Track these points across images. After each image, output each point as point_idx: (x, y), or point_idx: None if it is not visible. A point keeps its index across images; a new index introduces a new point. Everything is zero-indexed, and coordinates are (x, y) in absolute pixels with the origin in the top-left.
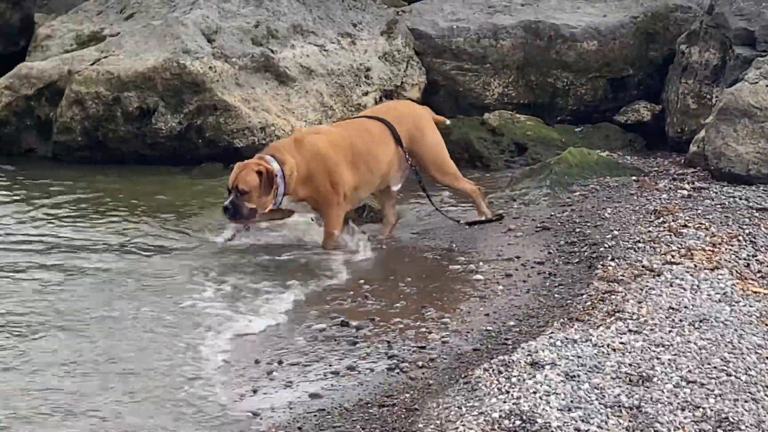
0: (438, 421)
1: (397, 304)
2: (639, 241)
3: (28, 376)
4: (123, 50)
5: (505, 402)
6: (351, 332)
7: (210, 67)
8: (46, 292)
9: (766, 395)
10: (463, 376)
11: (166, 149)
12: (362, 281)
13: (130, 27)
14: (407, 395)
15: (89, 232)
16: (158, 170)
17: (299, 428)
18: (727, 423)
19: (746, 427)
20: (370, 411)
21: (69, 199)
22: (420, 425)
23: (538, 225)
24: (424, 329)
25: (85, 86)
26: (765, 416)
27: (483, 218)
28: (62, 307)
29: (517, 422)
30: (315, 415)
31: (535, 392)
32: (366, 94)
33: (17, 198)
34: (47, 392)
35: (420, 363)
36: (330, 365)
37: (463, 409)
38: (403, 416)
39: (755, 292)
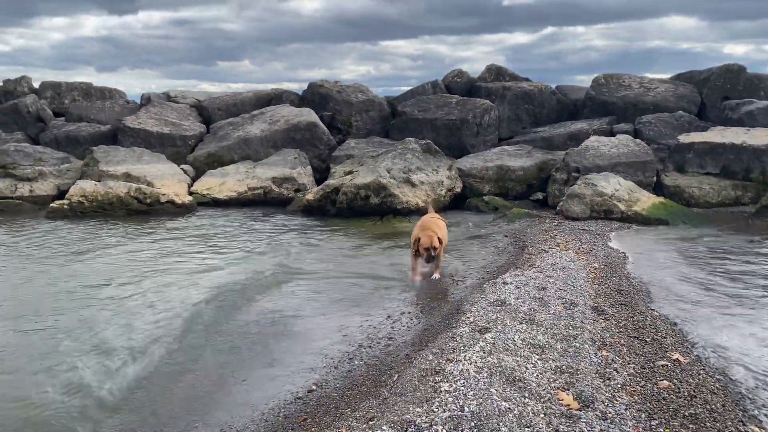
0: (470, 302)
1: (467, 265)
2: (539, 240)
3: None
4: (359, 176)
5: (494, 294)
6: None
7: (388, 181)
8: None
9: (584, 292)
10: (479, 287)
11: (374, 210)
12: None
13: (361, 168)
14: (461, 290)
15: (360, 236)
16: (371, 218)
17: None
18: (572, 303)
19: (580, 300)
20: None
21: (346, 227)
22: (464, 304)
23: (504, 235)
24: (468, 270)
25: (347, 189)
26: (579, 295)
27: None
28: None
29: (498, 303)
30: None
31: (505, 292)
32: (442, 191)
33: (330, 226)
34: None
35: (464, 282)
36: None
37: (479, 298)
38: (467, 293)
39: (581, 258)
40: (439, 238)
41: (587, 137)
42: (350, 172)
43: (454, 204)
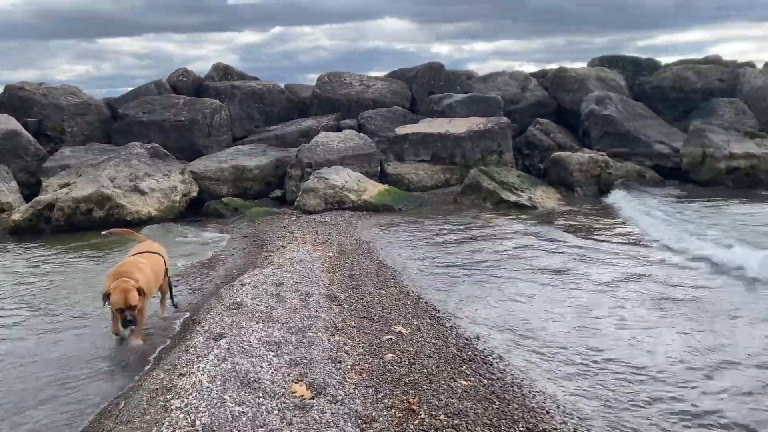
0: (207, 309)
1: (205, 271)
2: (278, 237)
3: None
4: (78, 188)
5: (231, 298)
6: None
7: (113, 192)
8: None
9: (319, 282)
10: (217, 293)
11: (101, 223)
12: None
13: (79, 179)
14: (198, 298)
15: (80, 258)
16: (97, 232)
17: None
18: (307, 294)
19: (315, 290)
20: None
21: (65, 248)
22: (201, 313)
23: (244, 235)
24: (207, 277)
25: (64, 203)
26: (314, 285)
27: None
28: None
29: (235, 306)
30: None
31: (242, 293)
32: (176, 197)
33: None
34: None
35: (204, 290)
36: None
37: (215, 303)
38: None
39: (317, 249)
40: (140, 288)
41: (317, 133)
42: (67, 185)
43: (192, 209)
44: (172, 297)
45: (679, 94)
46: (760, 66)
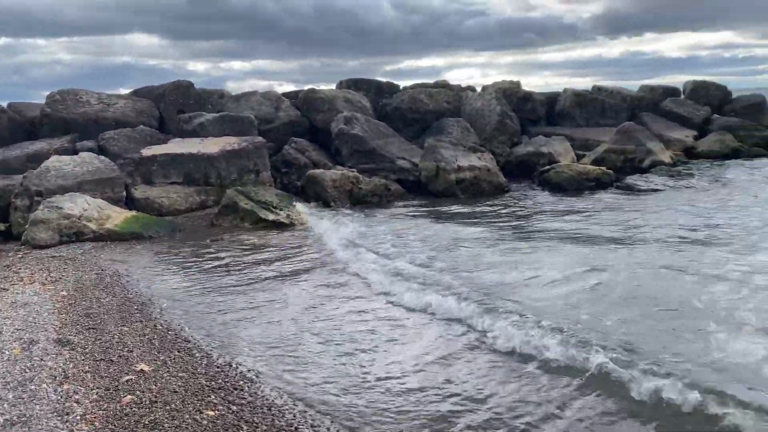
0: None
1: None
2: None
3: None
4: None
5: None
6: None
7: None
8: None
9: (48, 326)
10: None
11: None
12: None
13: None
14: None
15: None
16: None
17: None
18: (32, 342)
19: (42, 336)
20: None
21: None
22: None
23: None
24: None
25: None
26: (41, 331)
27: None
28: None
29: None
30: None
31: None
32: None
33: None
34: None
35: None
36: None
37: None
38: None
39: (48, 289)
40: None
41: (48, 157)
42: None
43: None
44: None
45: (416, 114)
46: (479, 90)
